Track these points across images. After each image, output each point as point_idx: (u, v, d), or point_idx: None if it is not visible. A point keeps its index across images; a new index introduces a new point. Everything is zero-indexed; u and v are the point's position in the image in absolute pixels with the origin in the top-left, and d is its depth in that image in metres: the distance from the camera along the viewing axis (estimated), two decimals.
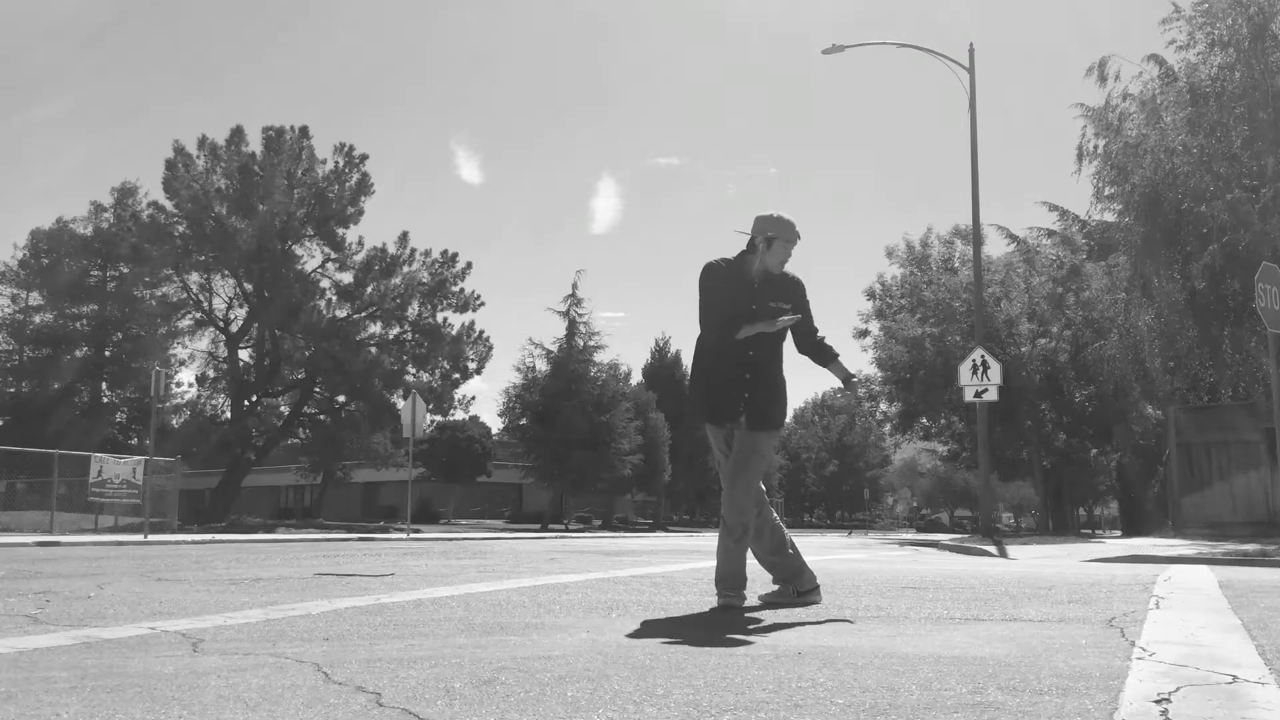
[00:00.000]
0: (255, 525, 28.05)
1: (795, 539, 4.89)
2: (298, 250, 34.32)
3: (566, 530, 37.18)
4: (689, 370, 5.28)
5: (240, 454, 33.79)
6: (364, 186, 34.02)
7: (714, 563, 4.66)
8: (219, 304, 35.23)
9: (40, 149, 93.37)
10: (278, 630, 3.57)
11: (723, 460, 4.62)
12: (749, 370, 4.54)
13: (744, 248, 4.61)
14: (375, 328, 35.25)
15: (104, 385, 42.05)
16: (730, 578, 4.50)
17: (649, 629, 3.72)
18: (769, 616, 4.20)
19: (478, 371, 36.70)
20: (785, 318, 4.47)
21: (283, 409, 37.34)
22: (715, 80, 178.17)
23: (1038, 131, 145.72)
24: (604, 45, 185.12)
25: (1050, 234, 32.10)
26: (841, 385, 4.83)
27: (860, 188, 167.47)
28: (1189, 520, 21.37)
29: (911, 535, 45.22)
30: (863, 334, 34.55)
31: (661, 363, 56.03)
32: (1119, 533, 37.96)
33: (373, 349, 34.49)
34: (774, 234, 4.50)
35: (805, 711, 2.19)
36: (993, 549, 13.15)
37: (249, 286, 33.98)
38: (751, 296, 4.51)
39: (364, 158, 34.01)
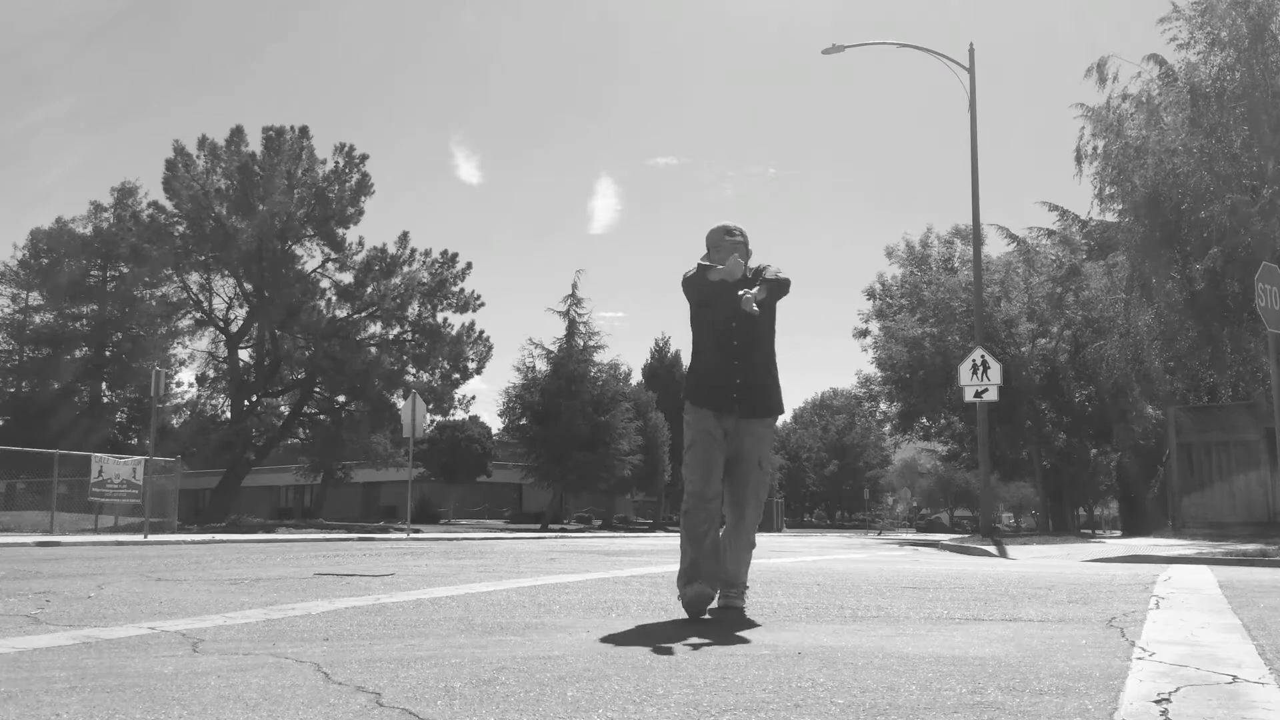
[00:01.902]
0: (255, 525, 28.04)
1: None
2: (298, 250, 34.35)
3: (566, 530, 37.17)
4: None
5: (240, 454, 33.78)
6: (364, 186, 34.06)
7: None
8: (219, 304, 35.27)
9: (40, 149, 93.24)
10: (278, 630, 3.57)
11: (702, 444, 4.42)
12: (739, 357, 4.47)
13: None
14: (375, 328, 35.27)
15: (104, 385, 41.94)
16: (730, 578, 4.51)
17: (649, 629, 3.72)
18: (769, 617, 4.20)
19: (478, 371, 36.78)
20: (757, 292, 4.33)
21: (283, 409, 37.33)
22: (714, 80, 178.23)
23: (1038, 131, 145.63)
24: (602, 45, 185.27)
25: (1050, 234, 32.08)
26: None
27: (860, 187, 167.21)
28: (1189, 520, 21.36)
29: (911, 535, 45.21)
30: (863, 334, 34.55)
31: (661, 363, 55.97)
32: (1119, 533, 37.92)
33: (373, 349, 34.49)
34: (711, 243, 4.67)
35: (805, 711, 2.19)
36: (993, 549, 13.15)
37: (249, 286, 33.98)
38: (722, 290, 4.48)
39: (364, 158, 34.07)
